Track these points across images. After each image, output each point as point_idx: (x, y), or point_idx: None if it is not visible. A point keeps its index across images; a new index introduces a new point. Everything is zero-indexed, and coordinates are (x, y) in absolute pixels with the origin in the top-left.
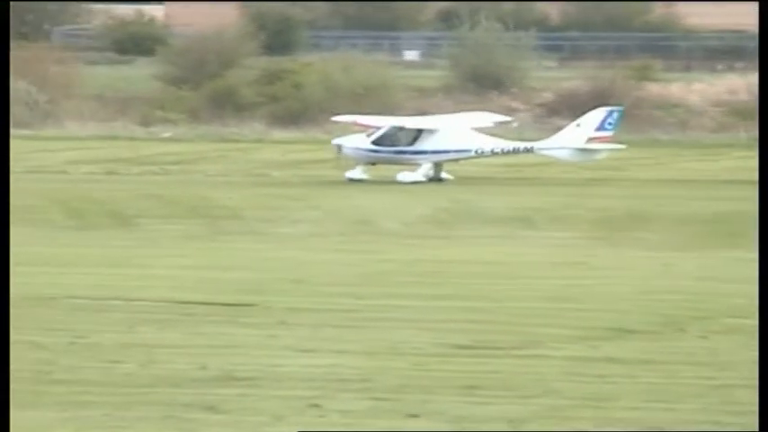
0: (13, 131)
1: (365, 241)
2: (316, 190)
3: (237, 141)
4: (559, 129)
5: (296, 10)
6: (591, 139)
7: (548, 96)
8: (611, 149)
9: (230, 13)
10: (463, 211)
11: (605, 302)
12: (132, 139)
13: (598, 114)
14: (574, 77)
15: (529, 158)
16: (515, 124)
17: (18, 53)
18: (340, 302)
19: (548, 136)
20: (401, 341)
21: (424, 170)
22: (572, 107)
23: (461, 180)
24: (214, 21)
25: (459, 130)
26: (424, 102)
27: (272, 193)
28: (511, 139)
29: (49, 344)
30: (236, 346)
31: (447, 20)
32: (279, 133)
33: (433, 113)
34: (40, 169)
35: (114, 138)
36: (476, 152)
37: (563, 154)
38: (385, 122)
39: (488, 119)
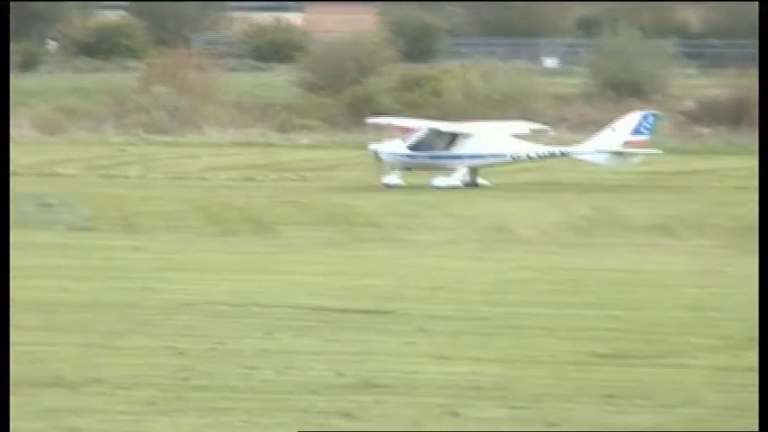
0: (154, 137)
1: (502, 248)
2: (450, 196)
3: None
4: (699, 137)
5: (434, 17)
6: (626, 144)
7: (689, 104)
8: (647, 154)
9: (369, 20)
10: (607, 218)
11: (745, 311)
12: (270, 145)
13: (633, 118)
14: (714, 85)
15: (681, 167)
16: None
17: (158, 60)
18: (478, 310)
19: (690, 144)
20: (539, 349)
21: (460, 175)
22: (713, 115)
23: (596, 187)
24: (352, 27)
25: (495, 135)
26: (564, 109)
27: (408, 200)
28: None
29: (189, 350)
30: (373, 353)
31: (586, 27)
32: None
33: (572, 121)
34: (182, 175)
35: (252, 144)
36: (511, 157)
37: (599, 158)
38: (420, 125)
39: (525, 127)
